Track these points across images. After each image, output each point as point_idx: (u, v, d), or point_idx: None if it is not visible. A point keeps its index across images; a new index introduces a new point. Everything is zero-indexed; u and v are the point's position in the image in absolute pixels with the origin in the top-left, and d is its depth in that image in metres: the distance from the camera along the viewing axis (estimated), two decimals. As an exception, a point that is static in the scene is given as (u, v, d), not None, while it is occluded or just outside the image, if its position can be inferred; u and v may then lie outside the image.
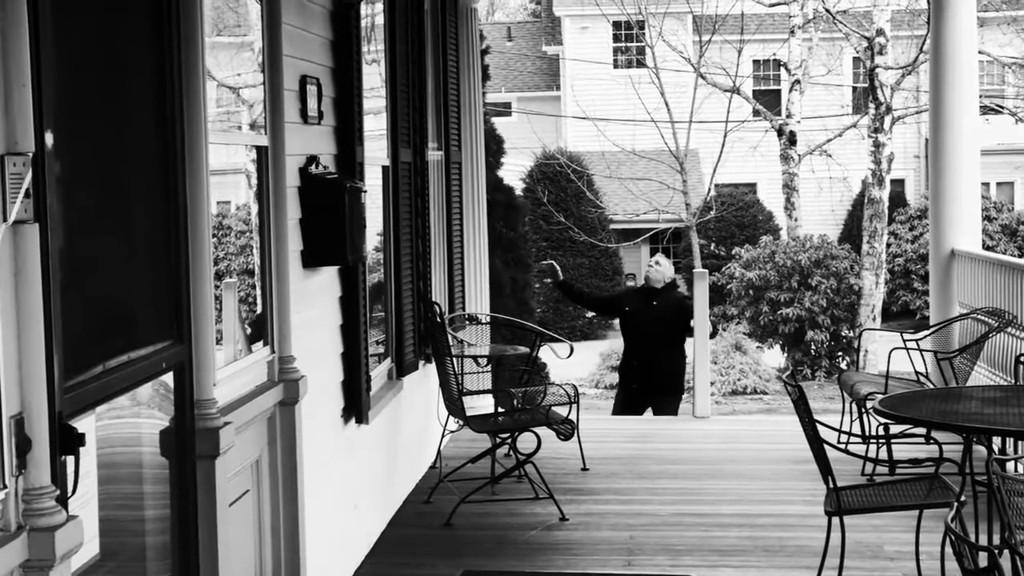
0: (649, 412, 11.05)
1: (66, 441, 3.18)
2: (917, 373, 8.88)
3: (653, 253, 24.17)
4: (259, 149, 5.32)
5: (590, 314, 27.44)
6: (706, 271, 11.09)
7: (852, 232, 29.04)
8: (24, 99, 3.03)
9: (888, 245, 25.47)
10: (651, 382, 10.72)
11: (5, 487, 3.03)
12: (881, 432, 7.19)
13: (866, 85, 22.46)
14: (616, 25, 32.67)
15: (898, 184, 30.78)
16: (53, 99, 3.15)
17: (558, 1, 34.57)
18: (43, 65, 3.09)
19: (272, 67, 5.34)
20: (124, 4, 3.91)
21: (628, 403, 10.95)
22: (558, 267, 10.95)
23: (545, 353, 10.18)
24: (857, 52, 23.60)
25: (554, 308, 26.85)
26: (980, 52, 15.93)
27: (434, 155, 9.12)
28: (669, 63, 26.00)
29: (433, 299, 8.59)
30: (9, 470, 3.04)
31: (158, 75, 4.09)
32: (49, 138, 3.12)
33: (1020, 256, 26.56)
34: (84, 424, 3.34)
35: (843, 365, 20.42)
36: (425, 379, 8.63)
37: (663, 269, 10.78)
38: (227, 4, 5.24)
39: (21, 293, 3.06)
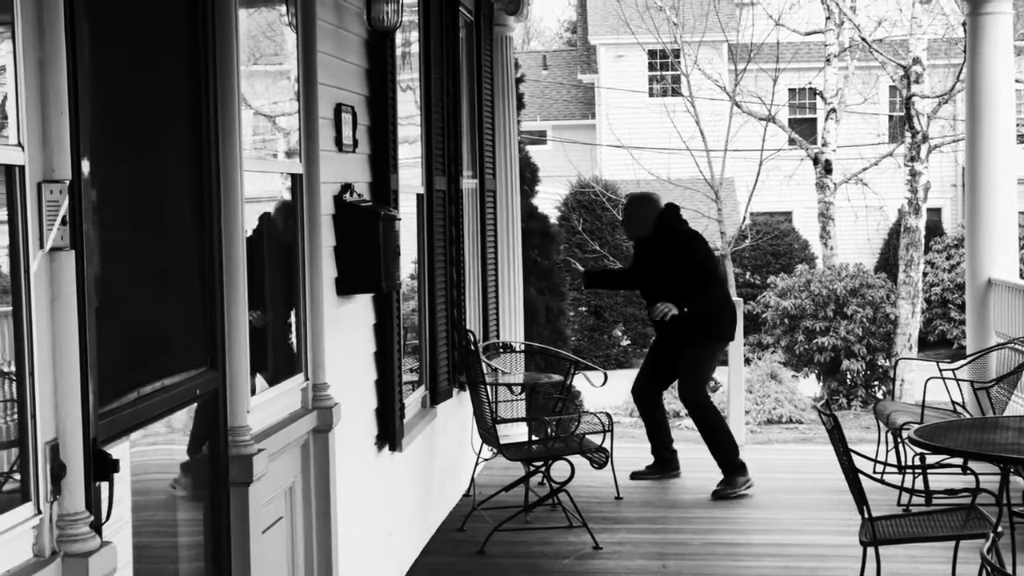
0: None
1: (100, 467, 3.20)
2: (953, 403, 8.81)
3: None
4: (294, 177, 5.35)
5: (625, 342, 27.36)
6: (741, 300, 11.03)
7: (888, 261, 28.91)
8: (61, 127, 3.05)
9: (925, 274, 25.33)
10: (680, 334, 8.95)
11: (40, 513, 3.05)
12: (917, 462, 7.14)
13: (902, 114, 22.36)
14: (651, 54, 32.73)
15: (935, 213, 30.64)
16: (90, 127, 3.18)
17: (594, 30, 34.65)
18: (80, 93, 3.11)
19: (307, 95, 5.37)
20: (160, 33, 3.94)
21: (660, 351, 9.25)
22: (579, 267, 9.86)
23: (579, 381, 10.13)
24: (893, 81, 23.50)
25: (588, 336, 26.81)
26: (1017, 81, 15.86)
27: (469, 183, 9.14)
28: (704, 91, 25.99)
29: (467, 327, 8.59)
30: (44, 496, 3.05)
31: (194, 103, 4.12)
32: (86, 166, 3.15)
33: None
34: (118, 450, 3.35)
35: (879, 395, 20.28)
36: (459, 407, 8.63)
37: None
38: (264, 33, 5.28)
39: (57, 320, 3.08)
